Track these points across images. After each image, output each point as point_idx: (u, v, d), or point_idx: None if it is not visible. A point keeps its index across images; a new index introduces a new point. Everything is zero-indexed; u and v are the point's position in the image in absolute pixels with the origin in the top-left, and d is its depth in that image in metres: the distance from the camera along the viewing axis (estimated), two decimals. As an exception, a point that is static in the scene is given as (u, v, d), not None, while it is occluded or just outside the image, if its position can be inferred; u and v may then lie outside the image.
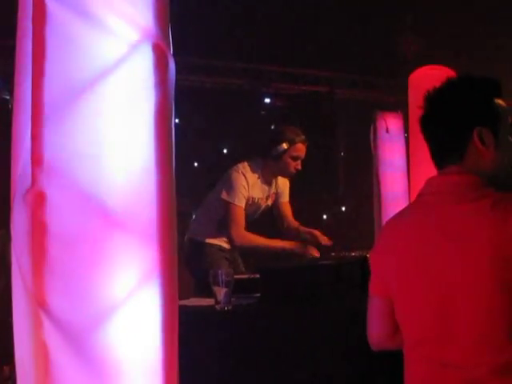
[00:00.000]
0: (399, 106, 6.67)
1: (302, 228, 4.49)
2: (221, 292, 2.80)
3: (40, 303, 1.34)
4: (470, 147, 1.89)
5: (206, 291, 2.99)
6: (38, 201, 1.33)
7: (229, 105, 6.83)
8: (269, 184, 4.47)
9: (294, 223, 4.59)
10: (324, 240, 4.28)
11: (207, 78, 6.43)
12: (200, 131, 6.67)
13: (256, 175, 4.35)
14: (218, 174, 4.58)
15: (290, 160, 4.31)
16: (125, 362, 1.39)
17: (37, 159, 1.33)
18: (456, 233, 1.81)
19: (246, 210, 4.30)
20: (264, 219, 4.67)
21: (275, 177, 4.49)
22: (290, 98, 7.21)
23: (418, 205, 1.98)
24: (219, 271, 2.86)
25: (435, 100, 1.97)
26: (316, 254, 4.11)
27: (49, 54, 1.35)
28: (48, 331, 1.34)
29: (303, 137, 4.36)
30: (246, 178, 4.28)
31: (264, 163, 4.39)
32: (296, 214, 4.86)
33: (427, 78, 5.00)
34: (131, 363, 1.39)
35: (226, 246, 4.42)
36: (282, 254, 4.16)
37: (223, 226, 4.30)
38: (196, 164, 7.49)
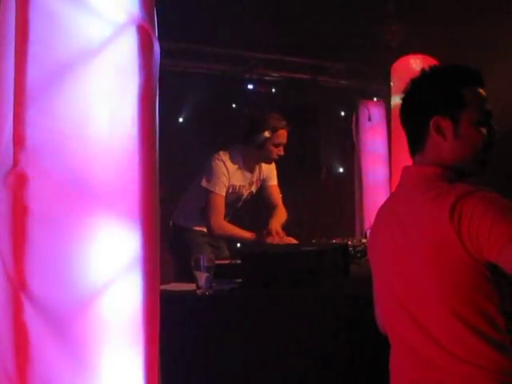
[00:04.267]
0: (382, 94, 6.69)
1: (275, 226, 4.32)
2: (202, 277, 2.81)
3: (21, 287, 1.33)
4: (428, 137, 1.92)
5: (189, 277, 2.99)
6: (20, 182, 1.31)
7: (212, 91, 6.80)
8: (251, 171, 4.46)
9: (280, 214, 4.51)
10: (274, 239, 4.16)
11: (190, 63, 6.39)
12: (182, 117, 6.66)
13: (236, 163, 4.35)
14: (199, 161, 4.57)
15: (272, 147, 4.30)
16: (106, 346, 1.38)
17: (19, 140, 1.32)
18: (407, 225, 1.86)
19: (227, 198, 4.31)
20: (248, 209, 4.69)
21: (258, 163, 4.48)
22: (274, 84, 7.20)
23: (393, 195, 2.04)
24: (201, 256, 2.86)
25: (408, 91, 2.01)
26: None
27: (32, 35, 1.33)
28: (29, 315, 1.33)
29: (284, 123, 4.34)
30: (226, 165, 4.28)
31: (245, 151, 4.38)
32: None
33: (409, 66, 5.02)
34: (112, 347, 1.39)
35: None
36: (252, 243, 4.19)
37: (204, 214, 4.32)
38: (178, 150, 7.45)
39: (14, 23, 1.35)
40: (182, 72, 6.34)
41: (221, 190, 4.22)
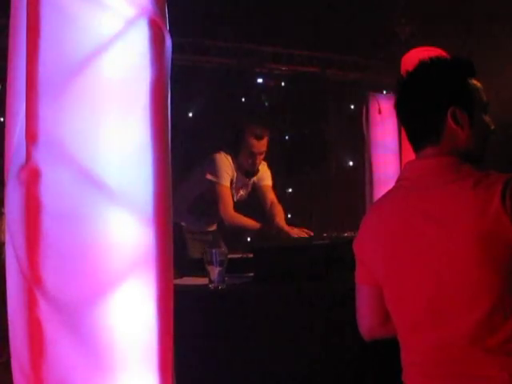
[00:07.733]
0: (392, 87, 6.66)
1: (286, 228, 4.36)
2: (214, 271, 2.80)
3: (35, 282, 1.33)
4: (445, 128, 1.91)
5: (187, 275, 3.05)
6: (33, 178, 1.31)
7: (221, 84, 6.79)
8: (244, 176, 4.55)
9: (280, 211, 4.52)
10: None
11: (199, 57, 6.39)
12: (191, 111, 6.65)
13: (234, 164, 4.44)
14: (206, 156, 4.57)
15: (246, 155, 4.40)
16: (120, 340, 1.38)
17: (32, 135, 1.32)
18: (439, 215, 1.81)
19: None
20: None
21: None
22: (283, 78, 7.19)
23: (399, 190, 1.98)
24: (213, 250, 2.85)
25: (408, 84, 1.99)
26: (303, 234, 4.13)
27: (44, 30, 1.33)
28: (43, 309, 1.33)
29: (259, 131, 4.39)
30: (229, 160, 4.37)
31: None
32: (287, 196, 4.87)
33: (419, 59, 4.98)
34: (126, 342, 1.39)
35: (206, 229, 4.57)
36: (262, 233, 4.26)
37: (209, 208, 4.40)
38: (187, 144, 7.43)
39: (25, 18, 1.35)
40: (191, 66, 6.33)
41: (226, 182, 4.30)
